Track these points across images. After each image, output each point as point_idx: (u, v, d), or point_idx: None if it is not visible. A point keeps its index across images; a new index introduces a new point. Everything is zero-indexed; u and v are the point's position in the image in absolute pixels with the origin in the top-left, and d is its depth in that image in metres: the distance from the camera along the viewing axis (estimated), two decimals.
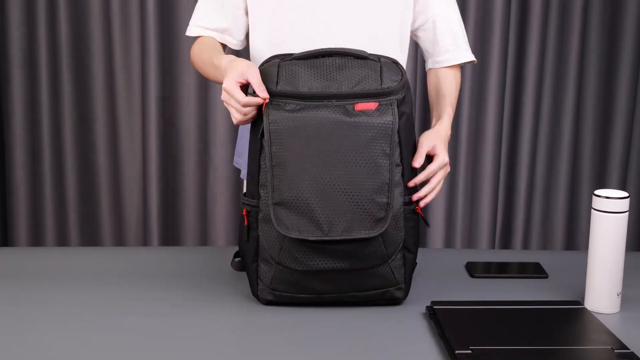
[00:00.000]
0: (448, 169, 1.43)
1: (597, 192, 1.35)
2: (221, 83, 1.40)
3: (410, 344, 1.23)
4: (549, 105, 2.73)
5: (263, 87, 1.32)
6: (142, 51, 2.59)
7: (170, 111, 2.66)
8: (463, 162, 2.72)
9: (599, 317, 1.34)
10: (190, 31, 1.59)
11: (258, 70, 1.34)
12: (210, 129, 2.68)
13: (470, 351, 1.14)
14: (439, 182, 1.41)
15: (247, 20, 1.56)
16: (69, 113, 2.63)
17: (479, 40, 2.66)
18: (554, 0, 2.66)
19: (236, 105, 1.32)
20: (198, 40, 1.58)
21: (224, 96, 1.34)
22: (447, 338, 1.19)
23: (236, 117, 1.33)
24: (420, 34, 1.60)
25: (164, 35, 2.59)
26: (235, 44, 1.58)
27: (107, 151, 2.68)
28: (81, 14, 2.60)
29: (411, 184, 1.36)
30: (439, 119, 1.52)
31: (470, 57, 1.61)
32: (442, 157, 1.41)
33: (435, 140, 1.43)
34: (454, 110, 1.56)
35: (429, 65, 1.62)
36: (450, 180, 2.74)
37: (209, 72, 1.51)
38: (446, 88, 1.58)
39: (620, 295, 1.37)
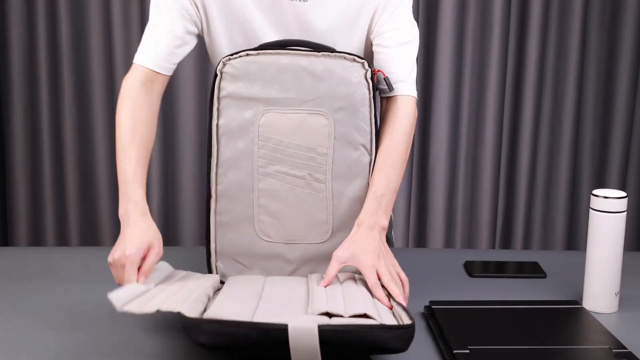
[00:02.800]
0: (389, 266, 1.25)
1: (595, 191, 1.35)
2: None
3: None
4: (549, 105, 2.73)
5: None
6: None
7: (170, 112, 2.66)
8: (463, 162, 2.72)
9: (597, 316, 1.34)
10: (146, 61, 1.41)
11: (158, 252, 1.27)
12: None
13: (468, 351, 1.14)
14: (392, 280, 1.25)
15: (192, 44, 1.45)
16: (69, 113, 2.63)
17: (479, 40, 2.66)
18: (554, 0, 2.66)
19: (117, 277, 1.26)
20: (131, 105, 1.38)
21: (114, 258, 1.25)
22: (446, 338, 1.19)
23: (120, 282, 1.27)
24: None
25: None
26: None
27: (107, 151, 2.68)
28: (81, 14, 2.60)
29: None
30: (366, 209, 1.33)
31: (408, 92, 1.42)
32: (367, 265, 1.24)
33: (347, 253, 1.27)
34: (381, 192, 1.33)
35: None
36: (451, 180, 2.74)
37: (120, 170, 1.34)
38: (379, 160, 1.37)
39: (618, 295, 1.37)
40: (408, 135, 1.38)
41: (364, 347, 1.03)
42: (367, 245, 1.27)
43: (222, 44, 1.44)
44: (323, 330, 1.01)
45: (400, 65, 1.41)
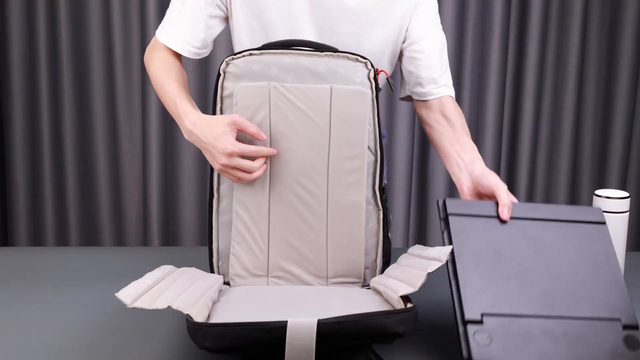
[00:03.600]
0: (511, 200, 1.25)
1: (597, 192, 1.35)
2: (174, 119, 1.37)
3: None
4: (549, 105, 2.73)
5: (257, 128, 1.29)
6: (142, 51, 2.59)
7: None
8: None
9: None
10: (161, 37, 1.48)
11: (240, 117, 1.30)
12: None
13: (480, 318, 1.10)
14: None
15: (221, 28, 1.51)
16: (69, 113, 2.63)
17: (479, 40, 2.66)
18: (554, 0, 2.66)
19: (248, 164, 1.28)
20: (158, 53, 1.47)
21: (225, 163, 1.27)
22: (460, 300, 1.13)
23: (253, 175, 1.29)
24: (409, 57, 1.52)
25: None
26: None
27: (107, 151, 2.68)
28: (81, 14, 2.60)
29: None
30: (468, 155, 1.38)
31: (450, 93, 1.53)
32: (503, 193, 1.24)
33: (489, 180, 1.29)
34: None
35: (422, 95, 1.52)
36: (451, 180, 2.74)
37: (163, 98, 1.42)
38: (464, 129, 1.45)
39: None
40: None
41: (368, 335, 1.04)
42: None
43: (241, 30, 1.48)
44: (325, 324, 1.02)
45: (445, 68, 1.51)
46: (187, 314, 1.06)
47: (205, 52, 1.51)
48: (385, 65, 1.51)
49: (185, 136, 1.35)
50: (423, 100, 1.51)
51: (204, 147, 1.31)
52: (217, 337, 1.03)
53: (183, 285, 1.20)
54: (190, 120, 1.33)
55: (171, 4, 1.49)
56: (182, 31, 1.47)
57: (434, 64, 1.49)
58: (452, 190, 2.75)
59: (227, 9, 1.48)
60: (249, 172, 1.29)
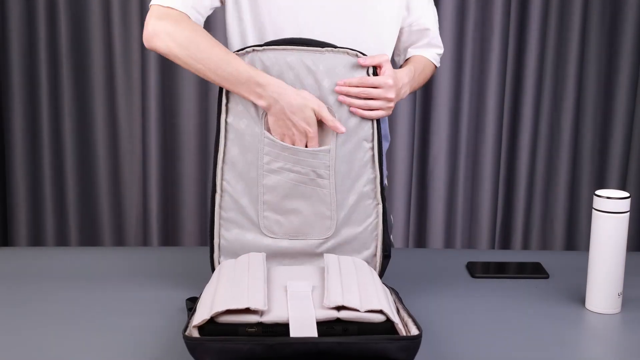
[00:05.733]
0: (389, 95, 1.38)
1: (598, 192, 1.35)
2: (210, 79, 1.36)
3: None
4: (549, 105, 2.73)
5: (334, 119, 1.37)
6: (142, 51, 2.59)
7: (170, 111, 2.66)
8: (463, 162, 2.72)
9: (599, 317, 1.34)
10: (179, 5, 1.38)
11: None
12: (211, 129, 2.68)
13: None
14: (371, 100, 1.38)
15: (215, 4, 1.46)
16: (69, 113, 2.63)
17: (479, 40, 2.66)
18: (554, 0, 2.66)
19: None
20: (187, 23, 1.37)
21: (305, 128, 1.35)
22: None
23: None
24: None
25: None
26: None
27: (107, 151, 2.68)
28: (81, 14, 2.60)
29: (341, 84, 1.35)
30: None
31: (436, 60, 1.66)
32: (388, 74, 1.38)
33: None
34: (416, 73, 1.53)
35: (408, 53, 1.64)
36: (451, 180, 2.74)
37: (218, 68, 1.34)
38: (418, 61, 1.59)
39: (621, 296, 1.36)
40: (430, 70, 1.63)
41: (369, 357, 1.04)
42: (399, 78, 1.42)
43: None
44: (326, 343, 1.02)
45: (433, 19, 1.61)
46: (184, 331, 1.07)
47: (201, 20, 1.45)
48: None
49: (262, 102, 1.34)
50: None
51: (283, 114, 1.33)
52: (217, 352, 1.03)
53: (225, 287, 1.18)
54: (274, 86, 1.33)
55: None
56: None
57: (436, 36, 1.61)
58: (452, 190, 2.75)
59: None
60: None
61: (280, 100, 1.32)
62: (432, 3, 1.62)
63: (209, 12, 1.46)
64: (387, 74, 1.38)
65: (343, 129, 1.33)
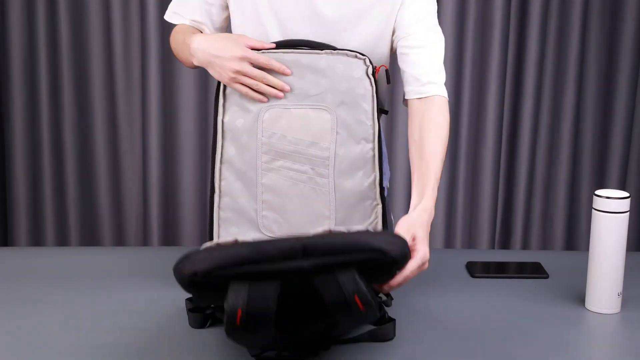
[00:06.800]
0: (426, 265, 1.20)
1: (597, 192, 1.35)
2: (192, 65, 1.41)
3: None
4: (549, 105, 2.73)
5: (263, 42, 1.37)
6: (142, 51, 2.59)
7: (170, 111, 2.66)
8: (463, 162, 2.72)
9: (599, 317, 1.34)
10: (168, 16, 1.53)
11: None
12: (210, 129, 2.68)
13: None
14: (412, 276, 1.19)
15: (225, 14, 1.51)
16: (69, 113, 2.63)
17: (479, 41, 2.66)
18: (554, 0, 2.66)
19: (260, 72, 1.35)
20: (176, 28, 1.52)
21: (237, 69, 1.34)
22: None
23: (267, 89, 1.36)
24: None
25: (164, 35, 2.59)
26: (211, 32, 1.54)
27: (107, 151, 2.68)
28: (81, 14, 2.60)
29: (386, 288, 1.17)
30: (421, 195, 1.29)
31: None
32: (423, 252, 1.18)
33: (416, 229, 1.22)
34: (439, 179, 1.31)
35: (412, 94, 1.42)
36: (451, 180, 2.74)
37: (182, 53, 1.45)
38: (431, 149, 1.33)
39: (620, 296, 1.37)
40: (445, 139, 1.36)
41: (353, 250, 1.04)
42: (427, 229, 1.24)
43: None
44: (310, 238, 1.03)
45: (430, 65, 1.39)
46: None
47: (205, 30, 1.52)
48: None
49: (194, 61, 1.38)
50: (407, 100, 1.43)
51: (211, 59, 1.35)
52: (203, 260, 1.03)
53: None
54: (197, 39, 1.37)
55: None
56: (176, 3, 1.51)
57: (420, 58, 1.40)
58: (452, 190, 2.75)
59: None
60: (261, 81, 1.34)
61: (202, 44, 1.37)
62: (439, 35, 1.44)
63: (217, 26, 1.52)
64: (421, 246, 1.21)
65: (289, 72, 1.35)
